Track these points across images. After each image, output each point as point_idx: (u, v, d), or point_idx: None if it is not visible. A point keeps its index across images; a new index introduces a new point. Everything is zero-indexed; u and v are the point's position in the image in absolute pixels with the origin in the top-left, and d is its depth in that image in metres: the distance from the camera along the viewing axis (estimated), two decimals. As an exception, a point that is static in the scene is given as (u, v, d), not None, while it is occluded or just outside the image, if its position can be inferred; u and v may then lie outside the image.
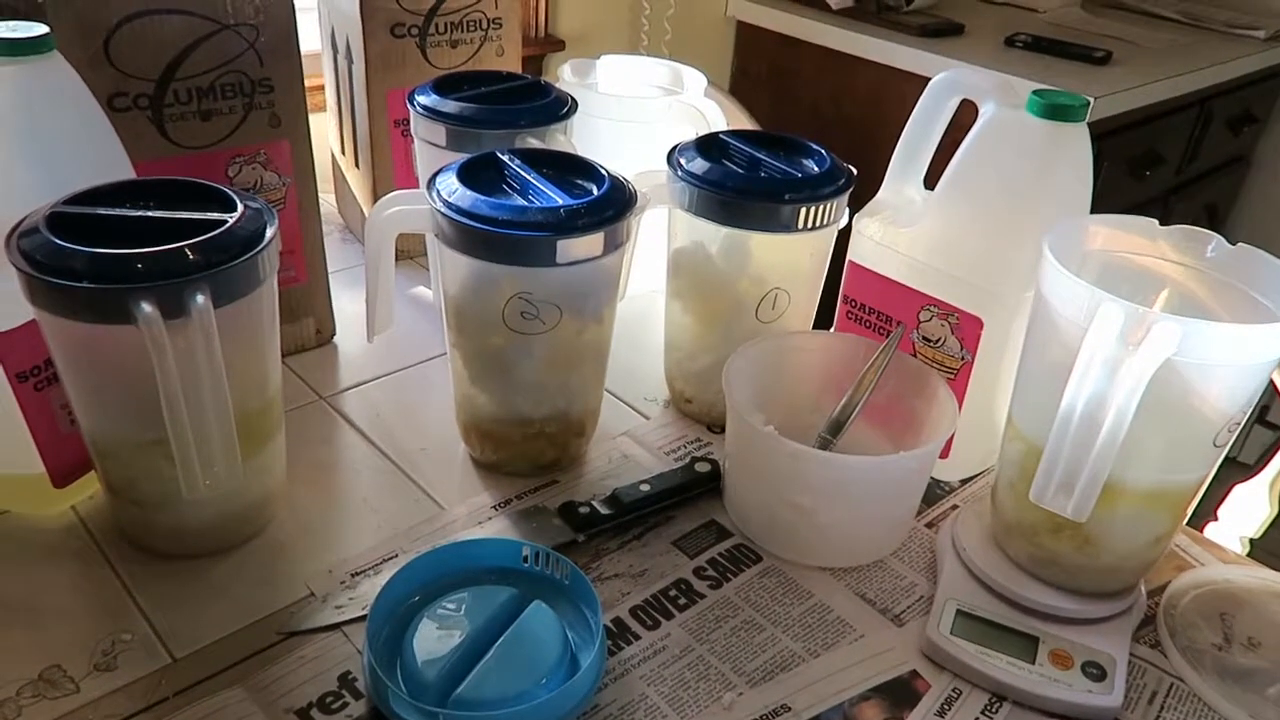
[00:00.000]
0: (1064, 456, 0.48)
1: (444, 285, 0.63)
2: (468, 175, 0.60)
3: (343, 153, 0.98)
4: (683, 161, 0.67)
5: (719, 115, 0.80)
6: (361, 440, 0.71)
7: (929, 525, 0.66)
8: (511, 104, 0.75)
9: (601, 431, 0.71)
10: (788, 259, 0.69)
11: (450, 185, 0.59)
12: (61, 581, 0.58)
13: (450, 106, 0.73)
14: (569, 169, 0.64)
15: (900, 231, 0.66)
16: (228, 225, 0.51)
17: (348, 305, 0.85)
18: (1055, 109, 0.59)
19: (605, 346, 0.66)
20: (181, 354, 0.48)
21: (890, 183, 0.69)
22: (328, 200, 1.05)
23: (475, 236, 0.57)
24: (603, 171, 0.62)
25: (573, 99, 0.77)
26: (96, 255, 0.48)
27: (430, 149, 0.74)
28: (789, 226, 0.64)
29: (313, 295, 0.79)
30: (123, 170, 0.60)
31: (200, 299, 0.48)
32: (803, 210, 0.64)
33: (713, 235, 0.68)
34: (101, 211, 0.52)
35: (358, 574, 0.59)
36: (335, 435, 0.72)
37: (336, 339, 0.83)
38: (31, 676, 0.51)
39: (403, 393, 0.77)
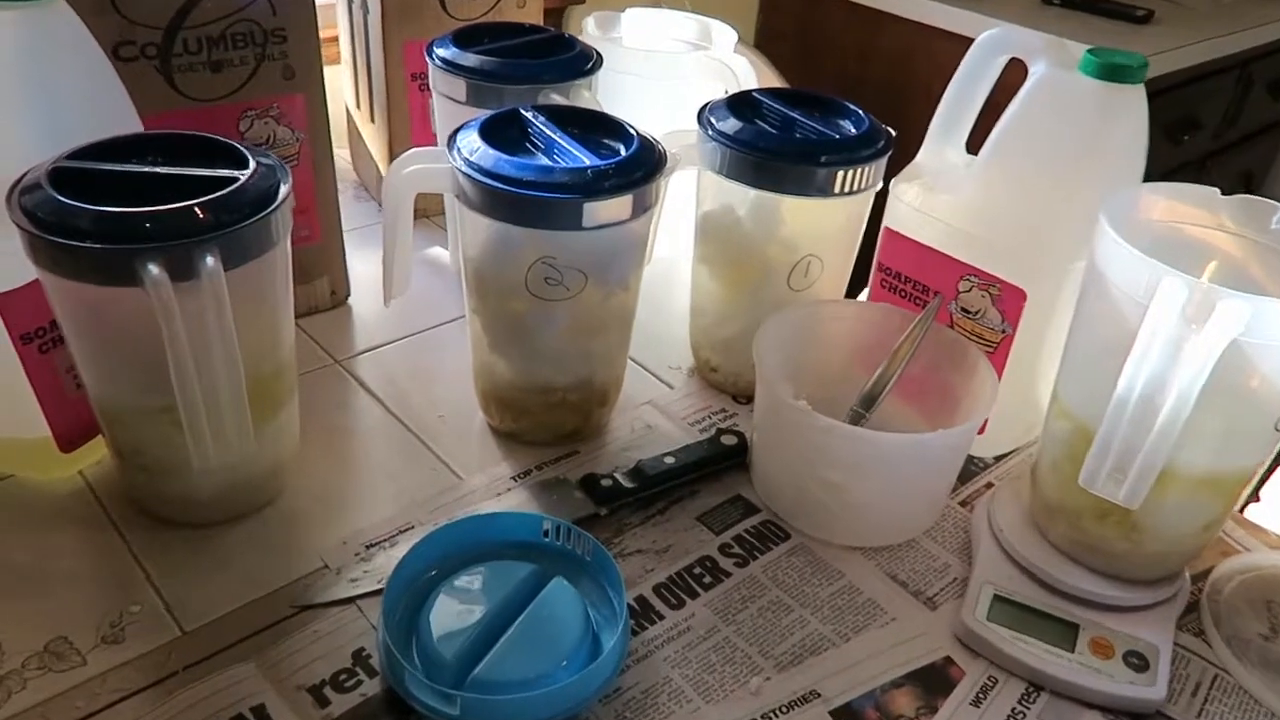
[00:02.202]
0: (1118, 441, 0.46)
1: (464, 248, 0.60)
2: (490, 133, 0.57)
3: (358, 107, 0.95)
4: (714, 121, 0.64)
5: (749, 72, 0.77)
6: (377, 406, 0.69)
7: (963, 503, 0.63)
8: (534, 58, 0.71)
9: (624, 400, 0.69)
10: (821, 224, 0.66)
11: (472, 143, 0.56)
12: (68, 549, 0.56)
13: (470, 60, 0.70)
14: (595, 127, 0.61)
15: (940, 197, 0.63)
16: (239, 183, 0.49)
17: (362, 265, 0.82)
18: (1111, 69, 0.56)
19: (631, 313, 0.63)
20: (191, 318, 0.46)
21: (930, 145, 0.66)
22: (342, 157, 1.02)
23: (497, 198, 0.54)
24: (631, 130, 0.59)
25: (598, 53, 0.74)
26: (101, 214, 0.45)
27: (449, 104, 0.71)
28: (824, 190, 0.61)
29: (327, 255, 0.77)
30: (130, 123, 0.57)
31: (210, 261, 0.46)
32: (839, 174, 0.61)
33: (742, 198, 0.65)
34: (107, 167, 0.49)
35: (373, 546, 0.57)
36: (350, 400, 0.70)
37: (351, 300, 0.81)
38: (37, 648, 0.50)
39: (420, 357, 0.75)
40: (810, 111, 0.65)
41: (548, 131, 0.58)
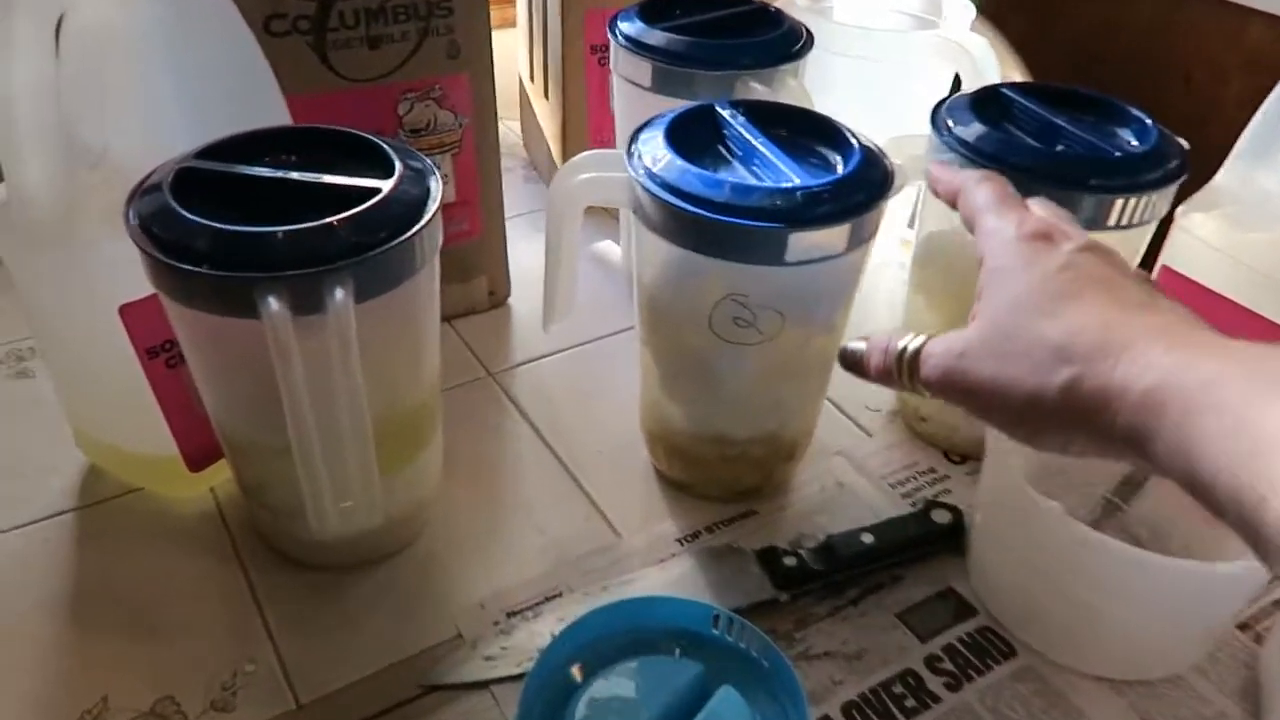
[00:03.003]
0: None
1: (638, 267, 0.51)
2: (678, 135, 0.47)
3: (531, 79, 0.87)
4: (952, 123, 0.51)
5: (989, 56, 0.63)
6: (530, 432, 0.61)
7: (1244, 627, 0.50)
8: (732, 36, 0.60)
9: (813, 448, 0.58)
10: (1079, 258, 0.52)
11: (656, 149, 0.46)
12: (189, 582, 0.51)
13: (656, 38, 0.60)
14: (806, 130, 0.50)
15: (1248, 235, 0.49)
16: (381, 196, 0.41)
17: (525, 257, 0.74)
18: None
19: (833, 356, 0.52)
20: (314, 359, 0.39)
21: (1236, 166, 0.51)
22: (511, 129, 0.95)
23: (682, 220, 0.44)
24: (850, 138, 0.48)
25: (808, 31, 0.62)
26: (218, 233, 0.38)
27: (631, 90, 0.62)
28: (1095, 221, 0.48)
29: (488, 252, 0.69)
30: (274, 111, 0.50)
31: (339, 294, 0.38)
32: (1116, 203, 0.48)
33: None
34: (235, 170, 0.42)
35: (514, 614, 0.49)
36: (501, 423, 0.62)
37: (512, 299, 0.73)
38: (144, 708, 0.45)
39: (582, 374, 0.66)
40: (1077, 115, 0.52)
41: (747, 136, 0.48)
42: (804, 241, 0.44)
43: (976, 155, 0.49)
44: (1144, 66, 1.19)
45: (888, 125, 0.53)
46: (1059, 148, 0.50)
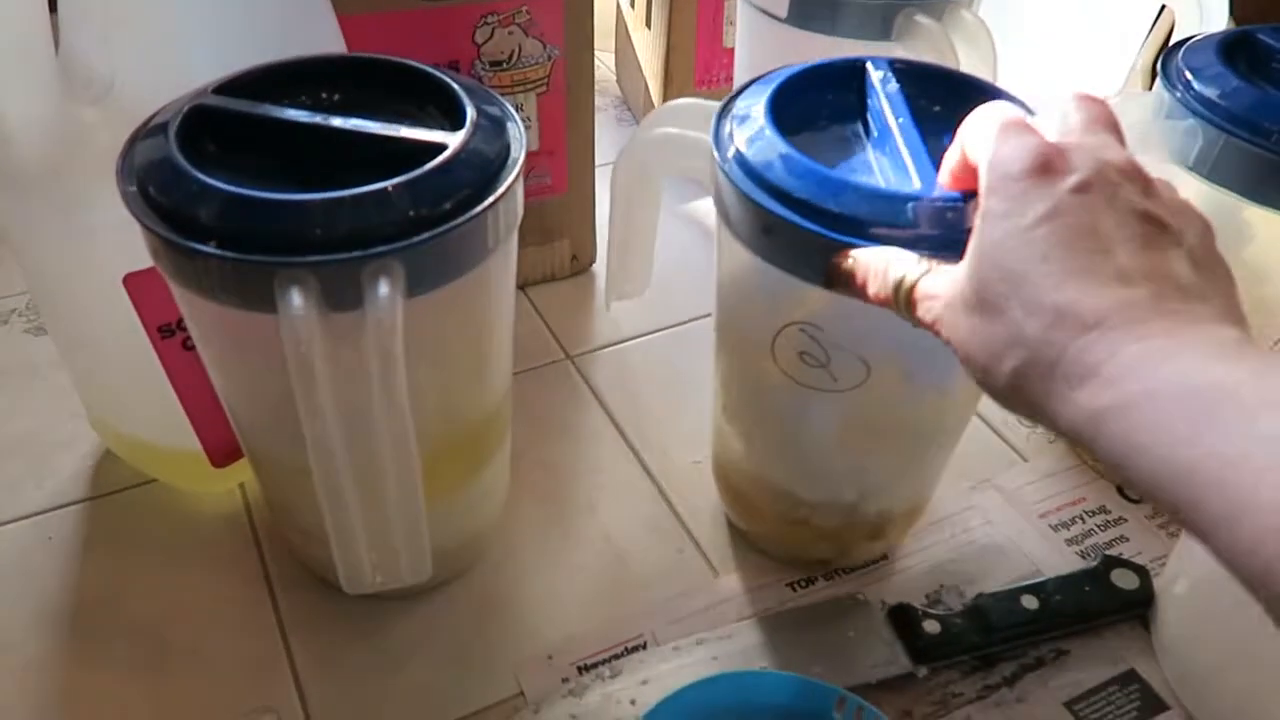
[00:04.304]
0: None
1: (718, 264, 0.40)
2: (793, 98, 0.35)
3: (631, 4, 0.75)
4: (1191, 77, 0.39)
5: (1217, -5, 0.50)
6: (613, 433, 0.52)
7: None
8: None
9: (954, 471, 0.47)
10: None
11: (751, 114, 0.34)
12: (208, 598, 0.43)
13: (794, -44, 0.48)
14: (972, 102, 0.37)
15: None
16: (446, 154, 0.31)
17: (615, 215, 0.64)
18: None
19: (951, 430, 0.40)
20: (347, 371, 0.30)
21: None
22: (604, 61, 0.84)
23: (749, 213, 0.33)
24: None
25: (985, -46, 0.50)
26: (231, 199, 0.29)
27: (760, 21, 0.50)
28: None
29: (572, 212, 0.59)
30: (324, 33, 0.41)
31: (384, 287, 0.29)
32: None
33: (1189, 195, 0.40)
34: (261, 112, 0.33)
35: (587, 670, 0.41)
36: (580, 420, 0.53)
37: (596, 267, 0.63)
38: (142, 763, 0.37)
39: (677, 361, 0.56)
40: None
41: (888, 112, 0.35)
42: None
43: (1226, 120, 0.38)
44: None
45: (1069, 76, 0.42)
46: (1336, 117, 0.38)
